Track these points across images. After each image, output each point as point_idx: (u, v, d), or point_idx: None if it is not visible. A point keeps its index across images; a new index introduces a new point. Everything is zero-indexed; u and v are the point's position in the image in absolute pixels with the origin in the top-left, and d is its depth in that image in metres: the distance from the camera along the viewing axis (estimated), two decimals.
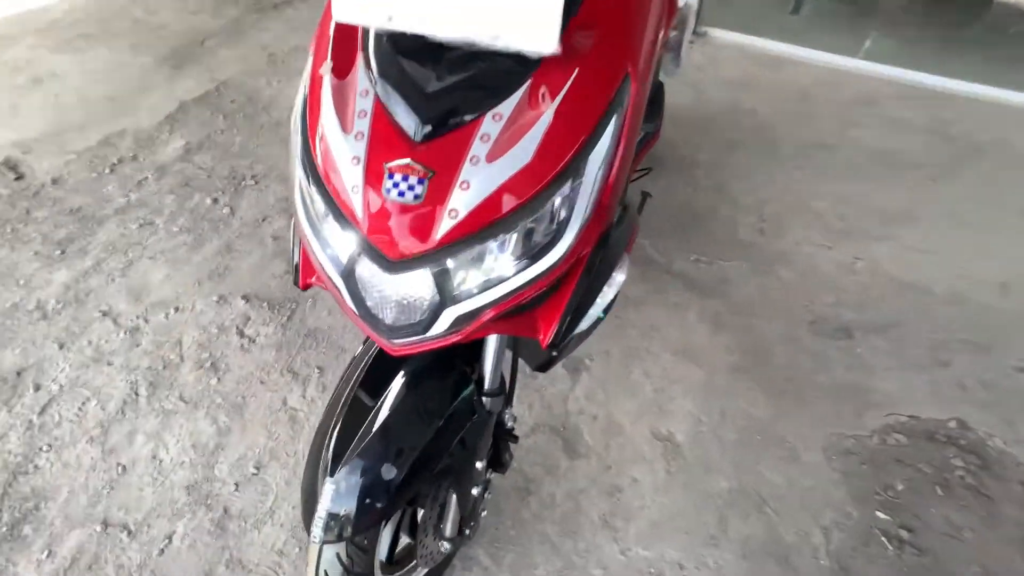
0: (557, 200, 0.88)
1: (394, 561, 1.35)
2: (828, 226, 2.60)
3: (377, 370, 1.16)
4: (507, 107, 0.87)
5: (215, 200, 2.67)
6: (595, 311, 1.04)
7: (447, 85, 0.89)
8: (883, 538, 1.62)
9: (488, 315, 0.91)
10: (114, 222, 2.54)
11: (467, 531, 1.34)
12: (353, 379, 1.17)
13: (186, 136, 3.07)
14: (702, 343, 2.12)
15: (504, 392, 1.21)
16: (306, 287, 1.08)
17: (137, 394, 1.90)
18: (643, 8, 1.13)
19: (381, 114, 0.90)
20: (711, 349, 2.09)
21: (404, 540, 1.37)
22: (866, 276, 2.38)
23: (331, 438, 1.09)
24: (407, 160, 0.85)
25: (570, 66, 0.90)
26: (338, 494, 1.01)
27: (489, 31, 0.85)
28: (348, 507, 1.00)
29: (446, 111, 0.88)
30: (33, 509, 1.63)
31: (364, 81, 0.93)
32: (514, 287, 0.89)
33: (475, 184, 0.84)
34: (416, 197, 0.84)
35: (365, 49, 0.96)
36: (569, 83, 0.89)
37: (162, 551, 1.55)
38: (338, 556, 1.11)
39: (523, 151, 0.86)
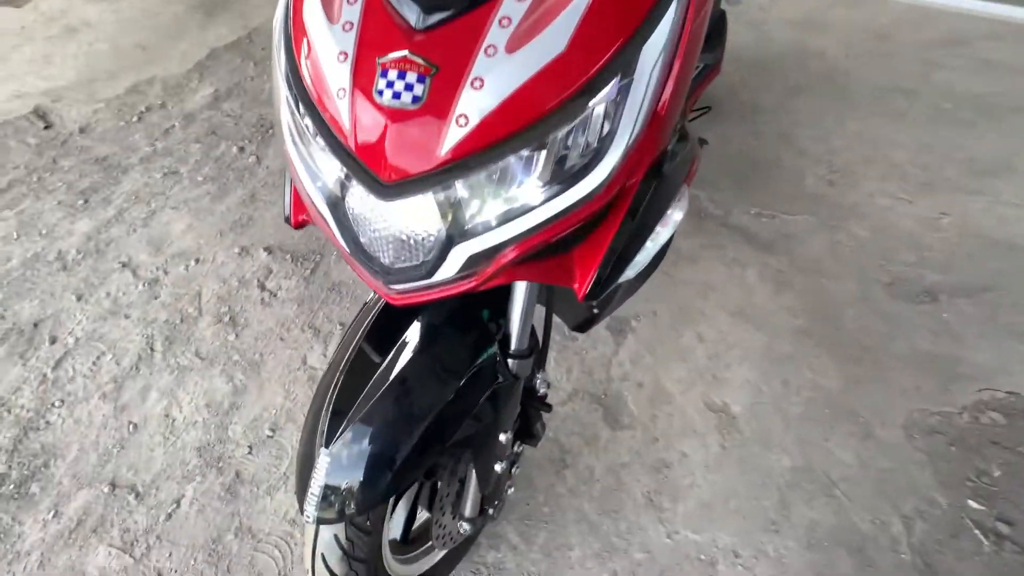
0: (600, 105, 0.67)
1: (409, 540, 1.21)
2: (908, 177, 2.31)
3: (387, 322, 0.98)
4: None
5: (241, 149, 2.54)
6: (644, 256, 0.83)
7: None
8: (976, 531, 1.40)
9: (509, 255, 0.72)
10: (139, 171, 2.44)
11: (490, 511, 1.16)
12: (360, 331, 0.99)
13: (215, 83, 2.96)
14: (763, 304, 1.89)
15: (534, 354, 1.02)
16: (299, 225, 0.90)
17: (153, 349, 1.80)
18: None
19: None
20: (773, 311, 1.87)
21: (422, 514, 1.22)
22: (953, 233, 2.09)
23: (330, 400, 0.92)
24: (404, 52, 0.66)
25: None
26: (336, 466, 0.85)
27: None
28: (347, 481, 0.85)
29: None
30: (42, 467, 1.55)
31: None
32: (542, 220, 0.70)
33: (491, 82, 0.65)
34: (415, 99, 0.66)
35: None
36: None
37: (169, 515, 1.45)
38: (336, 538, 0.96)
39: (555, 38, 0.66)
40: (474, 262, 0.72)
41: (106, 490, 1.50)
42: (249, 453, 1.56)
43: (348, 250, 0.75)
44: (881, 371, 1.70)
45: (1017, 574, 1.33)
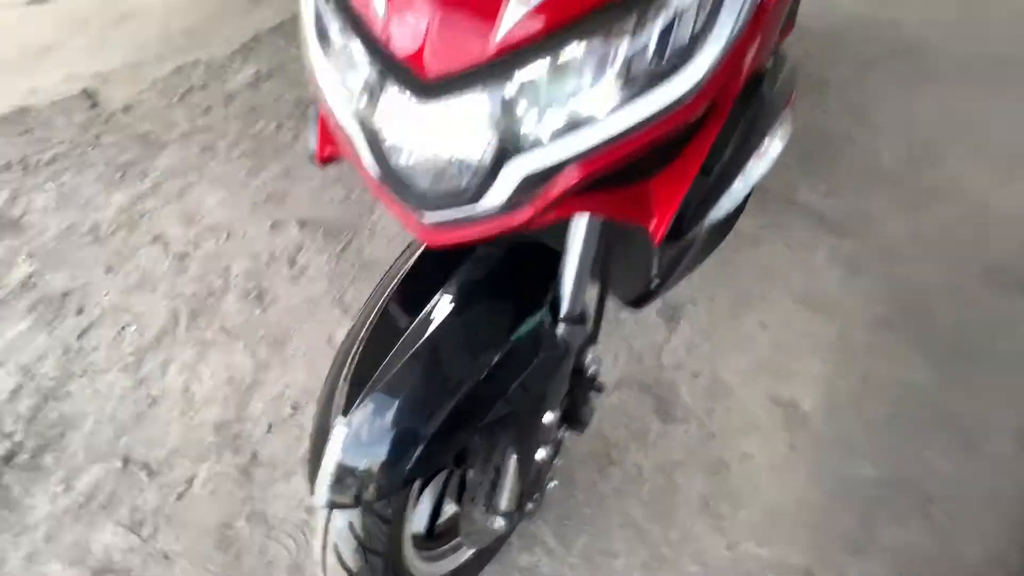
0: None
1: (434, 535, 1.07)
2: (1003, 156, 2.07)
3: (417, 280, 0.85)
4: None
5: (279, 126, 2.49)
6: (738, 191, 0.68)
7: None
8: None
9: (573, 177, 0.58)
10: (176, 146, 2.41)
11: (529, 505, 1.00)
12: (387, 292, 0.86)
13: (258, 64, 2.93)
14: (834, 291, 1.69)
15: (586, 322, 0.87)
16: (324, 160, 0.78)
17: (177, 322, 1.73)
18: None
19: None
20: (847, 298, 1.67)
21: (450, 507, 1.08)
22: None
23: (350, 366, 0.80)
24: None
25: None
26: (353, 440, 0.73)
27: None
28: (366, 460, 0.72)
29: None
30: (58, 437, 1.48)
31: None
32: (617, 131, 0.55)
33: None
34: None
35: None
36: None
37: (180, 496, 1.36)
38: (352, 527, 0.83)
39: None
40: (530, 185, 0.57)
41: (119, 465, 1.42)
42: (268, 432, 1.46)
43: (377, 177, 0.62)
44: (984, 371, 1.48)
45: None
